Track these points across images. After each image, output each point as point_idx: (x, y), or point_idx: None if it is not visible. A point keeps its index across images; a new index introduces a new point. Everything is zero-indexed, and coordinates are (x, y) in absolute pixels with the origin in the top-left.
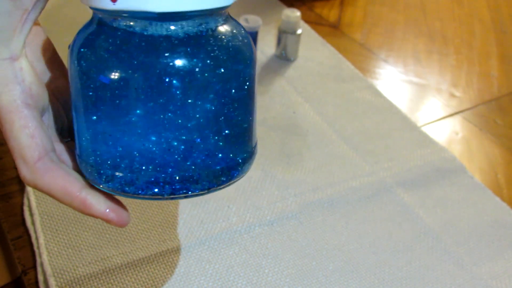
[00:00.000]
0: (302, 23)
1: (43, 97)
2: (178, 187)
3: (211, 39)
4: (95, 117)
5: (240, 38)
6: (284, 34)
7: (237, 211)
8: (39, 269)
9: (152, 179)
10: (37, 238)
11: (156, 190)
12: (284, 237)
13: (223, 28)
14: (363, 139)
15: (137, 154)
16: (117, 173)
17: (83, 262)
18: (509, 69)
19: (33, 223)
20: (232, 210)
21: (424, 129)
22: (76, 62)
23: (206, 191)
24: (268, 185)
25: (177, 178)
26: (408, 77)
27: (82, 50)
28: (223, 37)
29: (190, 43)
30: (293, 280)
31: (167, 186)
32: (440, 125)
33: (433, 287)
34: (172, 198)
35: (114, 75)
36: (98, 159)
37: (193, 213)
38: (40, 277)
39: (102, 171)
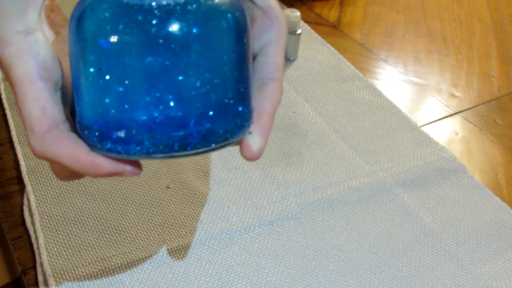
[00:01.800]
0: (302, 23)
1: (58, 72)
2: (177, 146)
3: (209, 1)
4: (94, 80)
5: (235, 1)
6: None
7: (237, 211)
8: (39, 269)
9: (153, 139)
10: (37, 238)
11: (155, 148)
12: (284, 237)
13: None
14: (363, 139)
15: (136, 115)
16: (117, 134)
17: (83, 262)
18: (509, 69)
19: (33, 223)
20: (232, 210)
21: (424, 129)
22: (75, 27)
23: (204, 149)
24: (268, 185)
25: (177, 136)
26: (408, 77)
27: (80, 15)
28: (220, 1)
29: (182, 5)
30: (293, 280)
31: (162, 146)
32: (440, 125)
33: (433, 287)
34: (169, 157)
35: (112, 39)
36: (98, 122)
37: (193, 213)
38: (40, 277)
39: (98, 134)
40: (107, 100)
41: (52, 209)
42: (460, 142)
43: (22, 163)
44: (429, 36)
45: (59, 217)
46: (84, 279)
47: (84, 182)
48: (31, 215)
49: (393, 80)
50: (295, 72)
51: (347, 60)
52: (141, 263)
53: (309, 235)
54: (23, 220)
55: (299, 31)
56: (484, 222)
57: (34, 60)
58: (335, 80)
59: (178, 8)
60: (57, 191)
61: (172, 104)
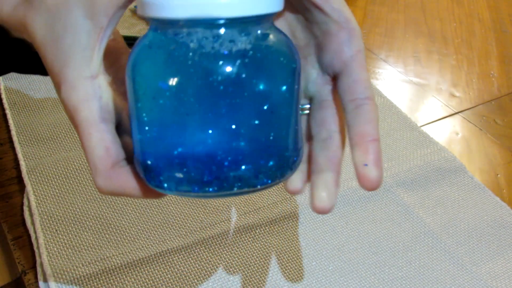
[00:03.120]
0: None
1: (119, 110)
2: (234, 183)
3: (262, 44)
4: (152, 120)
5: (287, 43)
6: None
7: (237, 211)
8: (39, 269)
9: (209, 178)
10: (37, 238)
11: (211, 188)
12: (284, 237)
13: (271, 35)
14: None
15: (192, 155)
16: (175, 175)
17: (83, 262)
18: (509, 69)
19: (33, 223)
20: (232, 210)
21: (424, 129)
22: (132, 70)
23: (260, 187)
24: None
25: (233, 176)
26: (408, 77)
27: (138, 59)
28: (273, 42)
29: (241, 49)
30: (293, 280)
31: (222, 183)
32: (440, 125)
33: (433, 287)
34: (224, 195)
35: (170, 82)
36: (154, 162)
37: (193, 213)
38: (40, 277)
39: (154, 174)
40: (157, 139)
41: (52, 209)
42: (460, 142)
43: (22, 163)
44: (429, 36)
45: (59, 217)
46: (84, 279)
47: (84, 182)
48: (31, 215)
49: (393, 80)
50: None
51: None
52: (141, 263)
53: (309, 235)
54: (23, 220)
55: None
56: (484, 222)
57: (98, 104)
58: None
59: (235, 52)
60: (57, 191)
61: (222, 146)
